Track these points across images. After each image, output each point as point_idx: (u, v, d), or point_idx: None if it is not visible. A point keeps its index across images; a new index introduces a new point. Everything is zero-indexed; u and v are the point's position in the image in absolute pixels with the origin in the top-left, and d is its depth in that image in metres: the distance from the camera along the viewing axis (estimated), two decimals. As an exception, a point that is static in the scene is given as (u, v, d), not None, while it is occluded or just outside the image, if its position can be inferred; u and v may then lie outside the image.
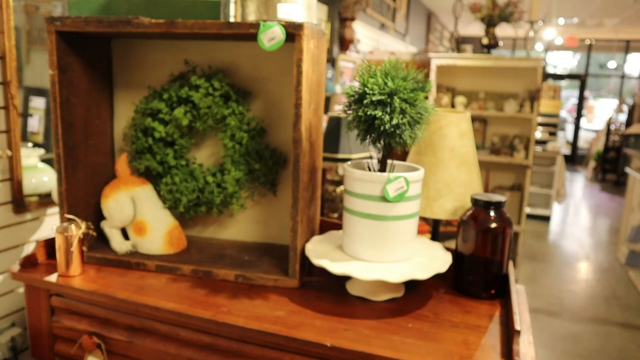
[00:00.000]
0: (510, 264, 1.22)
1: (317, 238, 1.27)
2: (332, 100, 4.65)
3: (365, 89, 1.06)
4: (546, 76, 9.78)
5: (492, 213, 1.18)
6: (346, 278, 1.23)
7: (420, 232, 1.74)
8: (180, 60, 1.40)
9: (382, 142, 1.11)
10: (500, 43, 4.22)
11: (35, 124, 1.62)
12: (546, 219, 6.18)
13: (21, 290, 1.53)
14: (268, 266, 1.27)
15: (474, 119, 4.28)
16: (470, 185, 1.34)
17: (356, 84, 1.10)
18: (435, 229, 1.54)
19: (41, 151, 1.58)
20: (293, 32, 1.08)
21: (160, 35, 1.24)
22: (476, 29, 6.52)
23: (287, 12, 1.15)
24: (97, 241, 1.38)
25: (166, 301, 1.11)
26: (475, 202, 1.20)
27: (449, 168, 1.32)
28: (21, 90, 1.52)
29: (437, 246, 1.25)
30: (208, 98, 1.29)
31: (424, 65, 4.15)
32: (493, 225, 1.17)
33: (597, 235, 5.77)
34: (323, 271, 1.23)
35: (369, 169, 1.18)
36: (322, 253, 1.17)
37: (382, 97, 1.04)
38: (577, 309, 3.69)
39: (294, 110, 1.12)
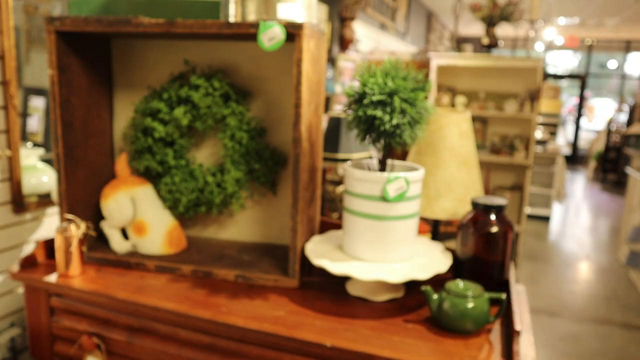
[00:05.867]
0: (511, 264, 1.22)
1: (317, 238, 1.27)
2: (332, 100, 4.65)
3: (365, 88, 1.06)
4: (546, 76, 9.77)
5: (492, 217, 1.17)
6: (346, 278, 1.23)
7: (420, 232, 1.74)
8: (180, 60, 1.39)
9: (382, 142, 1.11)
10: (501, 43, 4.22)
11: (35, 123, 1.62)
12: (546, 219, 6.18)
13: (21, 290, 1.53)
14: (268, 266, 1.27)
15: (474, 119, 4.28)
16: (470, 185, 1.33)
17: (356, 84, 1.10)
18: (435, 229, 1.54)
19: (40, 151, 1.58)
20: (293, 32, 1.08)
21: (160, 35, 1.24)
22: (476, 28, 6.52)
23: (287, 12, 1.15)
24: (96, 241, 1.38)
25: (166, 301, 1.11)
26: (475, 205, 1.19)
27: (449, 168, 1.32)
28: (20, 90, 1.52)
29: (437, 246, 1.25)
30: (208, 98, 1.29)
31: (424, 65, 4.15)
32: (494, 229, 1.16)
33: (597, 235, 5.76)
34: (323, 271, 1.23)
35: (369, 169, 1.18)
36: (322, 253, 1.17)
37: (382, 97, 1.04)
38: (578, 309, 3.69)
39: (294, 110, 1.12)
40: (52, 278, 1.22)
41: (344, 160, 1.73)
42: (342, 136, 1.75)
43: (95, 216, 1.38)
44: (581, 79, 10.67)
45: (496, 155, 4.19)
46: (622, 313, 3.65)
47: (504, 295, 1.04)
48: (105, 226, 1.35)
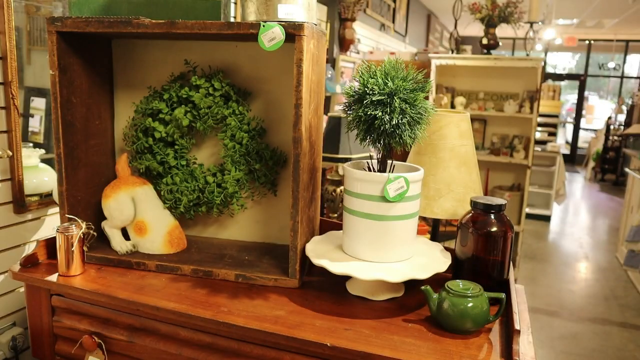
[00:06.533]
0: (510, 264, 1.22)
1: (317, 238, 1.27)
2: (332, 100, 4.66)
3: (365, 89, 1.07)
4: (546, 76, 9.79)
5: (492, 217, 1.17)
6: (346, 278, 1.24)
7: (420, 232, 1.75)
8: (180, 61, 1.40)
9: (382, 142, 1.11)
10: (500, 43, 4.22)
11: (36, 124, 1.63)
12: (546, 218, 6.18)
13: (22, 290, 1.54)
14: (268, 266, 1.27)
15: (473, 119, 4.29)
16: (470, 185, 1.34)
17: (356, 84, 1.11)
18: (435, 229, 1.54)
19: (42, 151, 1.58)
20: (293, 32, 1.09)
21: (160, 35, 1.25)
22: (476, 29, 6.52)
23: (287, 12, 1.15)
24: (97, 241, 1.38)
25: (166, 301, 1.12)
26: (475, 205, 1.19)
27: (449, 168, 1.33)
28: (22, 91, 1.52)
29: (437, 246, 1.26)
30: (208, 98, 1.30)
31: (424, 65, 4.15)
32: (494, 229, 1.16)
33: (596, 235, 5.77)
34: (323, 271, 1.23)
35: (369, 169, 1.18)
36: (322, 253, 1.18)
37: (382, 97, 1.05)
38: (577, 309, 3.70)
39: (294, 110, 1.13)
40: (53, 278, 1.22)
41: (344, 160, 1.73)
42: (342, 136, 1.75)
43: (96, 216, 1.38)
44: (580, 79, 10.68)
45: (496, 155, 4.20)
46: (620, 312, 3.66)
47: (503, 295, 1.05)
48: (106, 226, 1.36)
